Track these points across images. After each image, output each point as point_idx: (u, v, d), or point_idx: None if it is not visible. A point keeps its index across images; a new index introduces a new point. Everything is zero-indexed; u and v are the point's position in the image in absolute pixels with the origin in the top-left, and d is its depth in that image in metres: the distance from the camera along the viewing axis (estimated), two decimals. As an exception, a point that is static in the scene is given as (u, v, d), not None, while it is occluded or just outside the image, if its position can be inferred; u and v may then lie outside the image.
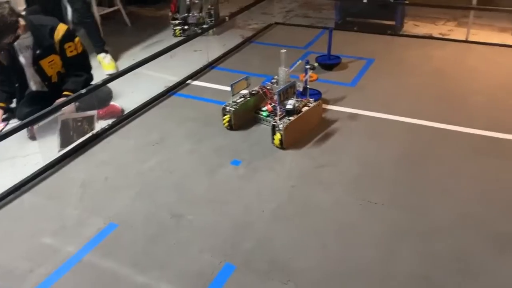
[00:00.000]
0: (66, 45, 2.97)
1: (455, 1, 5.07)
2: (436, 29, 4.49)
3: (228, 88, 2.92)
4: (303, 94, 2.96)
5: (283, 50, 2.97)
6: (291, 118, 2.74)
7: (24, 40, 2.86)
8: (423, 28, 4.52)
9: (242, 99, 2.96)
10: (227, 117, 2.90)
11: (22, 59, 2.93)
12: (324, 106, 3.15)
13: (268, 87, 3.05)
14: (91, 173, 2.60)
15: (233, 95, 2.89)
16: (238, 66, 3.89)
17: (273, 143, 2.73)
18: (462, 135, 2.78)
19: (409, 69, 3.68)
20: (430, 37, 4.29)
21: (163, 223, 2.21)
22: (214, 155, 2.71)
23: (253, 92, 3.02)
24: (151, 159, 2.70)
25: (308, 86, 2.96)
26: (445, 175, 2.44)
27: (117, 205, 2.34)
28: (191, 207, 2.30)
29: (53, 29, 2.92)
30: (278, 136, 2.69)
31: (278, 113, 2.73)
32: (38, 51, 2.90)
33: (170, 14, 4.65)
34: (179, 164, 2.65)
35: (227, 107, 2.90)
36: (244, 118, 2.96)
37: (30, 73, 2.98)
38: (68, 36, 2.98)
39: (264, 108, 3.00)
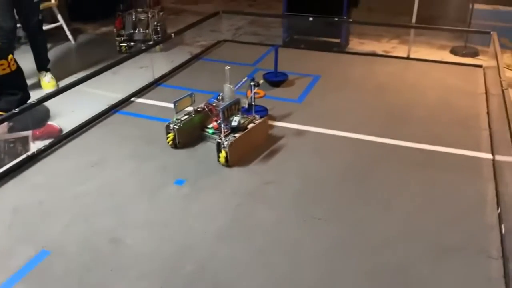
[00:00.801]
0: None
1: (398, 19, 5.30)
2: (380, 47, 4.64)
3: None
4: (248, 110, 2.94)
5: (227, 67, 2.94)
6: (237, 135, 2.71)
7: None
8: (368, 46, 4.66)
9: (187, 116, 2.90)
10: (171, 135, 2.82)
11: None
12: (270, 122, 3.14)
13: (213, 104, 3.00)
14: (23, 198, 2.44)
15: (176, 112, 2.82)
16: (186, 82, 3.84)
17: (218, 161, 2.68)
18: (404, 149, 2.84)
19: (354, 85, 3.76)
20: (374, 54, 4.42)
21: (100, 248, 2.09)
22: (158, 175, 2.62)
23: (198, 109, 2.96)
24: (90, 181, 2.57)
25: (253, 103, 2.94)
26: (388, 189, 2.47)
27: (51, 231, 2.20)
28: (130, 231, 2.20)
29: None
30: (223, 153, 2.64)
31: (223, 130, 2.69)
32: None
33: (115, 30, 4.54)
34: (119, 185, 2.54)
35: (171, 125, 2.82)
36: (189, 136, 2.89)
37: None
38: (0, 54, 2.82)
39: (210, 126, 2.95)
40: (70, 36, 4.84)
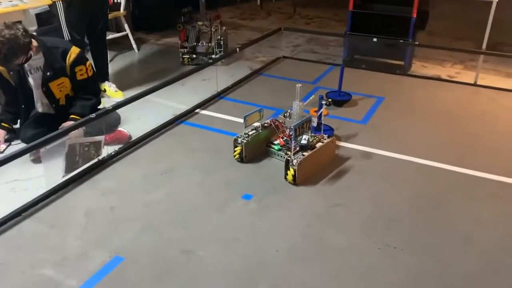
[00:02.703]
0: (77, 68, 2.91)
1: (460, 44, 5.16)
2: (443, 71, 4.51)
3: (237, 119, 2.88)
4: (317, 129, 2.91)
5: (299, 85, 2.92)
6: (305, 153, 2.67)
7: (35, 61, 2.79)
8: (431, 70, 4.54)
9: (254, 131, 2.90)
10: (238, 149, 2.83)
11: (31, 80, 2.85)
12: (336, 142, 3.10)
13: (280, 120, 2.99)
14: (96, 202, 2.49)
15: (245, 126, 2.83)
16: (247, 97, 3.85)
17: (286, 178, 2.65)
18: (477, 180, 2.72)
19: (419, 109, 3.66)
20: (438, 79, 4.30)
21: (171, 258, 2.09)
22: (224, 188, 2.62)
23: (265, 124, 2.96)
24: (159, 189, 2.59)
25: (322, 122, 2.91)
26: (465, 221, 2.36)
27: (123, 237, 2.22)
28: (200, 243, 2.19)
29: (65, 52, 2.87)
30: (291, 171, 2.61)
31: (292, 147, 2.67)
32: (48, 73, 2.83)
33: (179, 42, 4.64)
34: (187, 196, 2.55)
35: (239, 139, 2.83)
36: (255, 151, 2.88)
37: (38, 94, 2.90)
38: (80, 59, 2.93)
39: (276, 142, 2.93)
40: (134, 45, 4.98)
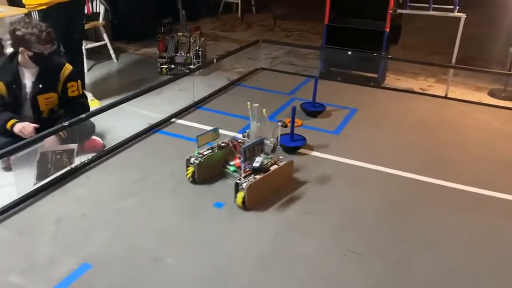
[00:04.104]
0: (69, 84, 2.94)
1: (433, 58, 5.32)
2: (416, 84, 4.65)
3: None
4: (273, 151, 2.84)
5: (255, 104, 2.82)
6: (257, 176, 2.56)
7: (30, 71, 2.83)
8: (404, 82, 4.67)
9: (210, 151, 2.80)
10: (190, 170, 2.71)
11: (24, 91, 2.85)
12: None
13: (239, 141, 2.92)
14: (67, 209, 2.49)
15: (198, 146, 2.73)
16: (223, 107, 3.90)
17: (235, 201, 2.52)
18: (444, 189, 2.81)
19: (392, 120, 3.76)
20: (411, 91, 4.43)
21: (140, 266, 2.10)
22: (196, 196, 2.65)
23: (222, 144, 2.86)
24: (131, 197, 2.61)
25: (278, 145, 2.85)
26: (429, 230, 2.43)
27: (93, 244, 2.23)
28: (170, 250, 2.21)
29: (60, 68, 2.91)
30: (241, 194, 2.49)
31: (242, 170, 2.56)
32: (40, 86, 2.85)
33: (157, 52, 4.68)
34: (159, 204, 2.57)
35: (191, 159, 2.72)
36: (209, 171, 2.76)
37: (25, 105, 2.89)
38: (73, 75, 2.97)
39: (231, 163, 2.81)
40: (113, 55, 5.00)
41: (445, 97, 4.26)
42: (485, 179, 2.90)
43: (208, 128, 3.40)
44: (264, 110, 2.92)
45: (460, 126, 3.71)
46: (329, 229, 2.41)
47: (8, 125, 2.74)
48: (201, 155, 2.76)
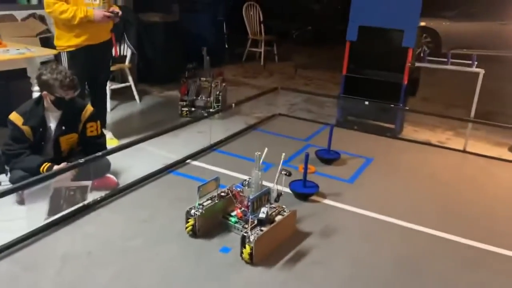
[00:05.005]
0: (88, 125, 3.06)
1: (452, 111, 5.28)
2: (434, 136, 4.60)
3: (228, 172, 2.91)
4: (275, 201, 2.74)
5: (258, 152, 2.73)
6: (264, 228, 2.47)
7: (53, 114, 2.95)
8: (422, 134, 4.64)
9: (210, 201, 2.69)
10: (190, 222, 2.60)
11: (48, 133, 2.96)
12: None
13: (239, 190, 2.78)
14: (74, 246, 2.50)
15: (200, 197, 2.62)
16: (239, 150, 3.93)
17: (241, 256, 2.42)
18: (457, 245, 2.71)
19: (408, 172, 3.71)
20: (429, 144, 4.38)
21: (141, 308, 2.08)
22: (204, 239, 2.63)
23: (222, 194, 2.75)
24: (138, 237, 2.61)
25: (282, 194, 2.74)
26: (441, 287, 2.33)
27: (95, 284, 2.22)
28: (173, 293, 2.18)
29: (82, 108, 3.03)
30: (248, 249, 2.39)
31: (250, 221, 2.46)
32: (63, 128, 2.96)
33: (179, 95, 4.81)
34: (165, 245, 2.56)
35: (192, 210, 2.60)
36: (210, 223, 2.66)
37: (47, 146, 2.98)
38: (94, 116, 3.09)
39: (233, 213, 2.72)
40: (136, 96, 5.16)
41: (463, 151, 4.19)
42: (500, 237, 2.80)
43: (223, 171, 3.45)
44: (283, 155, 2.84)
45: (478, 181, 3.63)
46: (339, 281, 2.34)
47: (44, 169, 2.79)
48: (201, 206, 2.64)
